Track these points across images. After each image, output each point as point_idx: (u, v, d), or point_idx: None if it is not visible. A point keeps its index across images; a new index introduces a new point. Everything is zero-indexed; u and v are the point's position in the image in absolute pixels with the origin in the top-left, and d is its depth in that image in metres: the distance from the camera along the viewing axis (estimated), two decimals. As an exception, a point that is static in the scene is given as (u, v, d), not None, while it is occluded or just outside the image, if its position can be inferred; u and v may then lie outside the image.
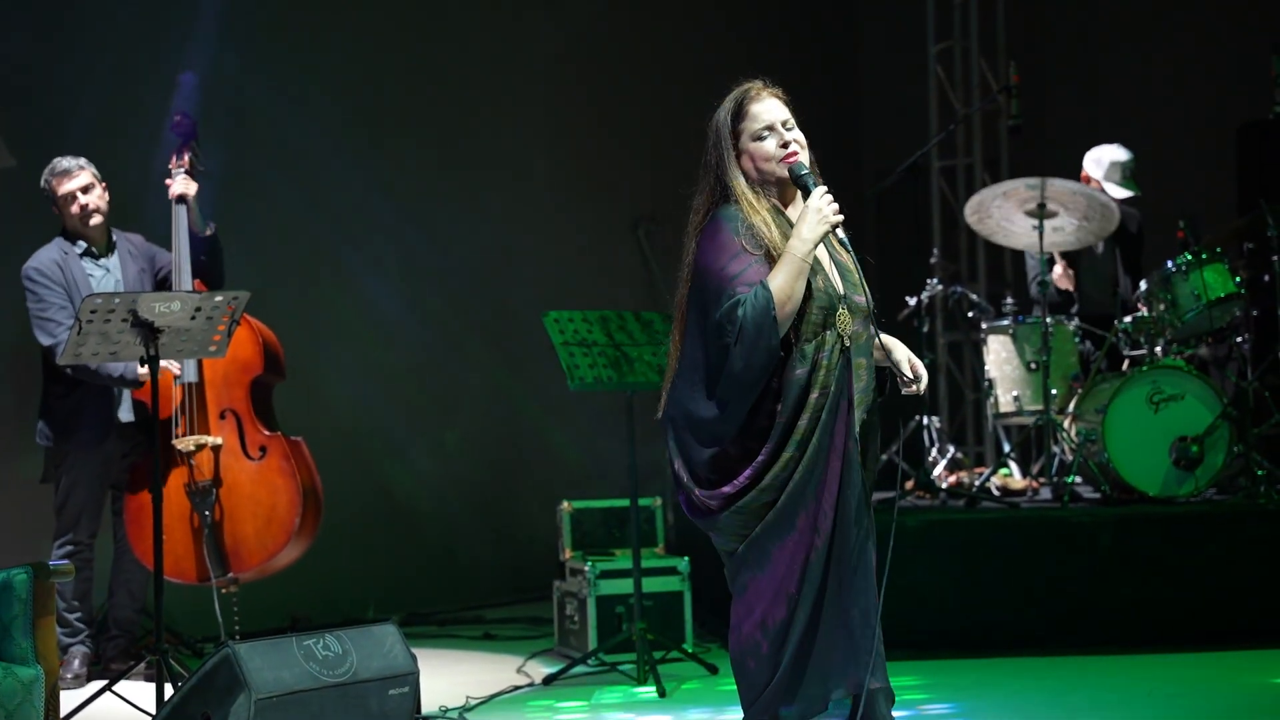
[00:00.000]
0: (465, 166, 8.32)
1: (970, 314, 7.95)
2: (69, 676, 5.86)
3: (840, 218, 3.69)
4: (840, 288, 3.76)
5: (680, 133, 9.01)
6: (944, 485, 7.35)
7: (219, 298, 5.23)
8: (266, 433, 6.05)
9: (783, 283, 3.64)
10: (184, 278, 5.97)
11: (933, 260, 8.19)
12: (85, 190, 5.98)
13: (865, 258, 3.83)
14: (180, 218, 6.00)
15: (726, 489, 3.66)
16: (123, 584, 6.15)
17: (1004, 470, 7.64)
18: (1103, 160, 7.44)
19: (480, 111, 8.38)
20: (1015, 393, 7.20)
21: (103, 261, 6.06)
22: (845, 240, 3.80)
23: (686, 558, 6.46)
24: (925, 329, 7.52)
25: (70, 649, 5.95)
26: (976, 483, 7.24)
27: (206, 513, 5.90)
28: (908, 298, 7.67)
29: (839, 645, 3.67)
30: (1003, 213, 7.08)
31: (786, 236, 3.70)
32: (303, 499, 5.99)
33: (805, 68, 9.58)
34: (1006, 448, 7.90)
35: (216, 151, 6.44)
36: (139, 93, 6.92)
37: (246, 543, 5.97)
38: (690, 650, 6.22)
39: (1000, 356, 7.27)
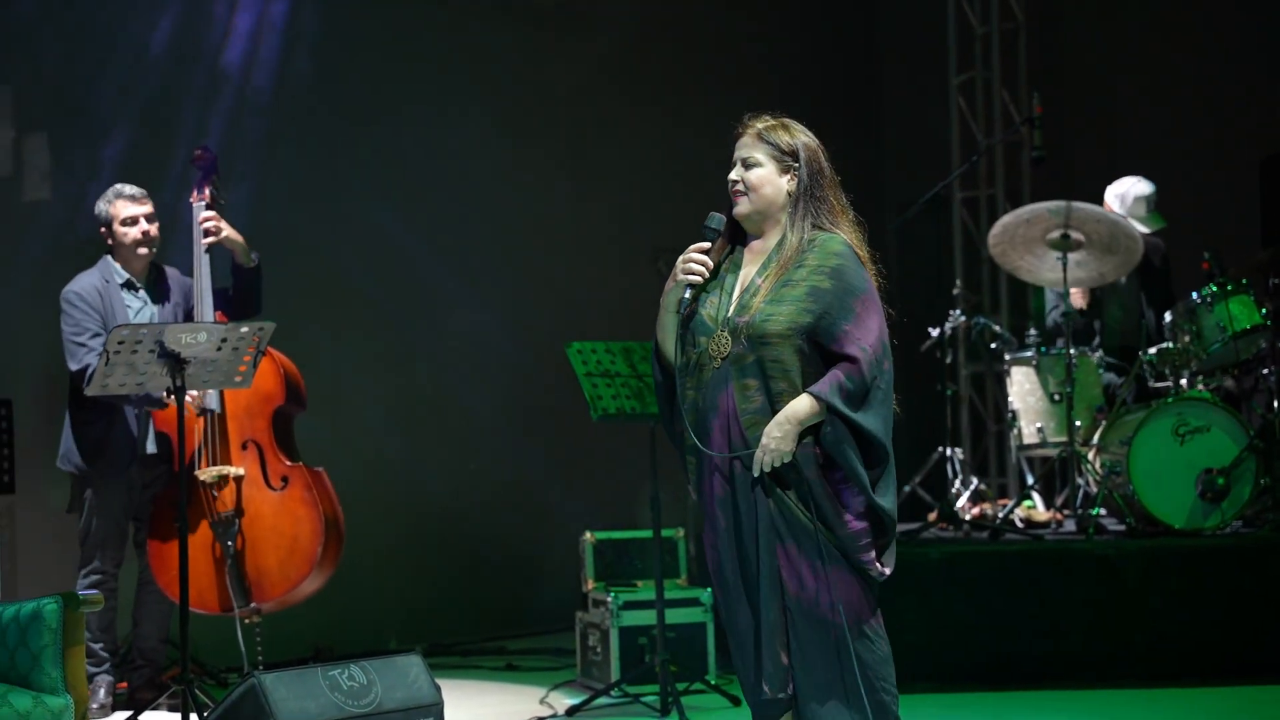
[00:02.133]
0: (487, 198, 8.35)
1: (993, 345, 7.94)
2: (94, 706, 5.86)
3: (692, 277, 3.89)
4: (731, 311, 3.88)
5: (701, 165, 9.01)
6: (967, 517, 7.33)
7: (244, 329, 5.25)
8: (288, 463, 6.06)
9: (657, 327, 4.00)
10: (205, 309, 6.00)
11: (955, 291, 8.19)
12: (149, 218, 6.03)
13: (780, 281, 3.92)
14: (200, 249, 6.02)
15: None
16: (146, 614, 6.15)
17: (1027, 502, 7.61)
18: (1126, 197, 7.42)
19: (502, 142, 8.41)
20: (1039, 424, 7.18)
21: (141, 294, 6.09)
22: (790, 261, 3.89)
23: (709, 589, 6.44)
24: (948, 360, 7.52)
25: (95, 679, 5.95)
26: (1000, 515, 7.22)
27: (229, 543, 5.91)
28: (930, 329, 7.67)
29: (743, 654, 3.88)
30: (1027, 244, 7.08)
31: (723, 272, 3.95)
32: (325, 529, 5.99)
33: (827, 99, 9.61)
34: (1030, 480, 7.88)
35: (240, 182, 6.49)
36: (170, 124, 6.98)
37: (269, 573, 5.97)
38: (713, 682, 6.21)
39: (1024, 388, 7.26)
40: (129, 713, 5.64)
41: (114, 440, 5.97)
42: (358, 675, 4.71)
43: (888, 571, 3.89)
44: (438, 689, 4.85)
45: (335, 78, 7.77)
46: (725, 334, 3.85)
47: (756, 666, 3.85)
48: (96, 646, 5.98)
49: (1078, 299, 7.34)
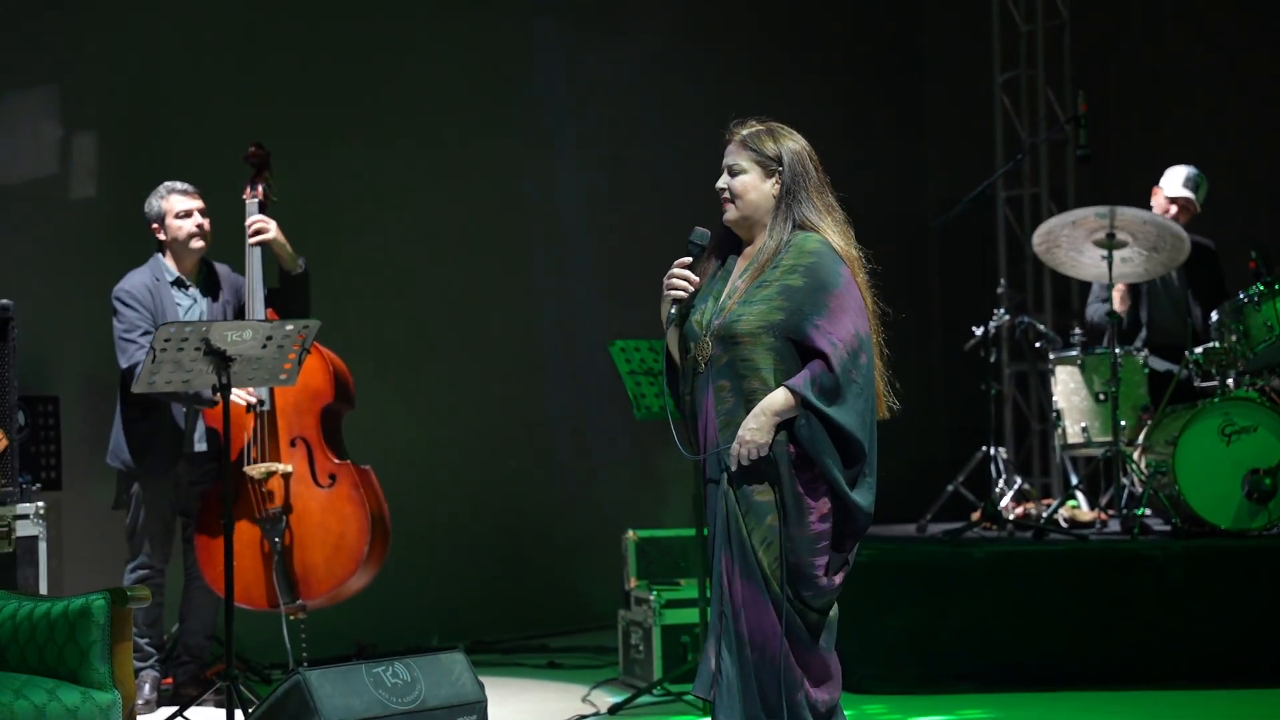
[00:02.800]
0: (532, 195, 8.36)
1: (1037, 344, 7.90)
2: (140, 702, 5.90)
3: (676, 293, 3.98)
4: (711, 315, 3.96)
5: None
6: (1011, 517, 7.29)
7: (289, 327, 5.27)
8: (336, 461, 6.09)
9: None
10: (256, 306, 6.03)
11: (999, 290, 8.15)
12: (201, 213, 6.07)
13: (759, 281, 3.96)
14: (254, 250, 6.06)
15: None
16: (193, 610, 6.19)
17: (1072, 502, 7.57)
18: (1169, 174, 7.41)
19: (546, 141, 8.43)
20: (1083, 424, 7.14)
21: (191, 291, 6.13)
22: (765, 263, 3.95)
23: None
24: (991, 359, 7.49)
25: (140, 674, 5.99)
26: (1044, 514, 7.18)
27: (276, 540, 5.94)
28: (974, 328, 7.64)
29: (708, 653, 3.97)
30: (1071, 242, 7.05)
31: (715, 280, 4.01)
32: (371, 527, 6.02)
33: (870, 98, 9.59)
34: (1074, 479, 7.84)
35: (289, 178, 6.52)
36: (223, 121, 7.03)
37: (315, 570, 6.00)
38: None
39: (1068, 387, 7.22)
40: (174, 708, 5.68)
41: (162, 437, 6.01)
42: (401, 672, 4.73)
43: (836, 581, 3.92)
44: (481, 686, 4.86)
45: (378, 74, 7.80)
46: (708, 339, 3.94)
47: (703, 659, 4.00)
48: (142, 642, 6.02)
49: (1117, 302, 7.30)
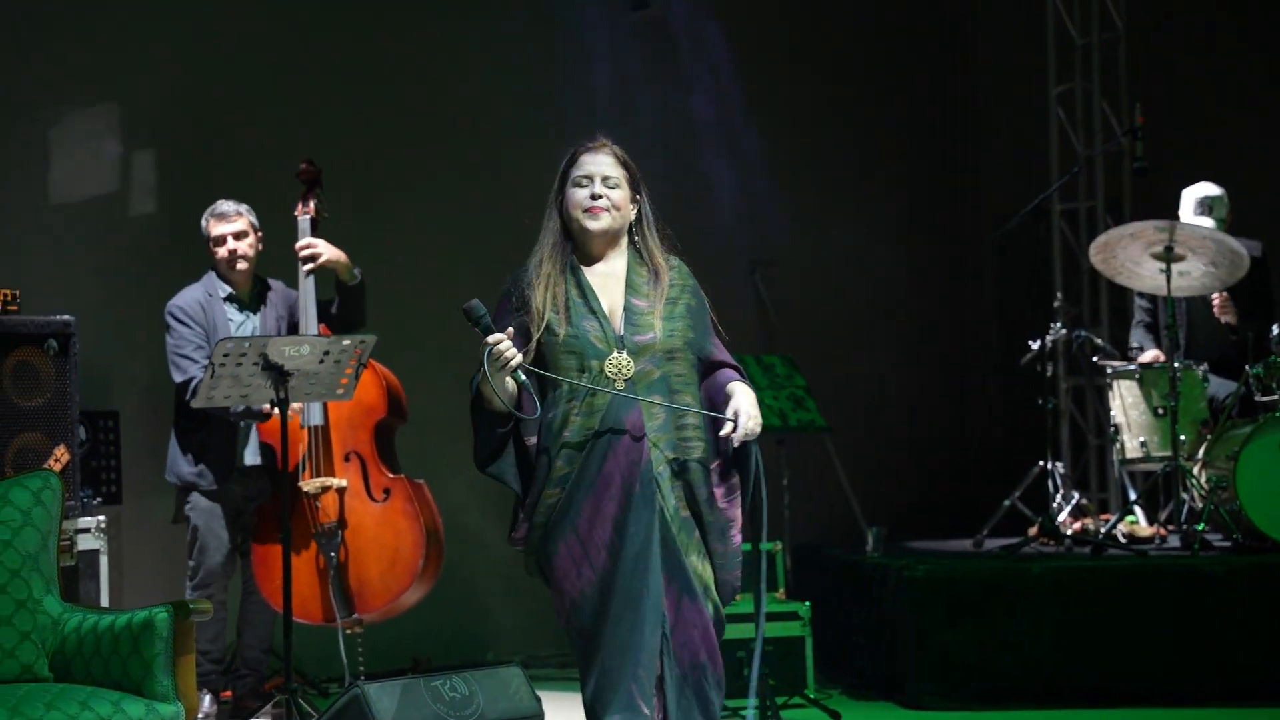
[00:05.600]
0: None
1: (1094, 358, 7.84)
2: (200, 715, 5.94)
3: (515, 358, 3.85)
4: (620, 330, 3.93)
5: (799, 177, 9.04)
6: (1069, 532, 7.24)
7: (346, 342, 5.31)
8: (390, 475, 6.11)
9: (485, 391, 3.93)
10: (310, 322, 6.06)
11: (1055, 304, 8.10)
12: (238, 236, 6.10)
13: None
14: (305, 266, 6.10)
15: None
16: (250, 624, 6.23)
17: (1130, 517, 7.51)
18: (1182, 202, 7.36)
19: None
20: (1142, 438, 7.08)
21: (244, 307, 6.18)
22: (666, 284, 4.02)
23: (808, 602, 6.41)
24: (1048, 373, 7.44)
25: (200, 687, 6.03)
26: (1102, 530, 7.12)
27: (332, 554, 5.96)
28: (1030, 342, 7.59)
29: (616, 679, 3.88)
30: (1129, 254, 7.00)
31: (560, 307, 3.94)
32: (426, 541, 6.03)
33: (925, 110, 9.55)
34: (1133, 494, 7.77)
35: (344, 190, 6.56)
36: (277, 138, 7.08)
37: (371, 584, 6.02)
38: (812, 695, 6.18)
39: (1126, 401, 7.16)
40: (234, 721, 5.72)
41: (215, 452, 6.05)
42: (459, 686, 4.75)
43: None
44: (538, 700, 4.88)
45: (445, 94, 7.83)
46: (624, 355, 3.91)
47: (619, 687, 3.89)
48: (203, 655, 6.06)
49: (1218, 309, 7.21)
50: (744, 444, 3.90)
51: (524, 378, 3.88)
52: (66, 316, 5.80)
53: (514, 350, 3.86)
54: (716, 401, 3.97)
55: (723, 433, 3.89)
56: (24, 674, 4.20)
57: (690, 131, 8.73)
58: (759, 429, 3.89)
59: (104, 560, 5.92)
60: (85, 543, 5.82)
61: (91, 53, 6.89)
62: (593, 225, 4.02)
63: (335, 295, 6.17)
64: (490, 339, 3.87)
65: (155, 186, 7.10)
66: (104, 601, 5.89)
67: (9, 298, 5.74)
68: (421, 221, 7.71)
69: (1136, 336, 7.52)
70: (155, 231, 7.00)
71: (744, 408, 3.89)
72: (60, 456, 5.65)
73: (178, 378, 5.99)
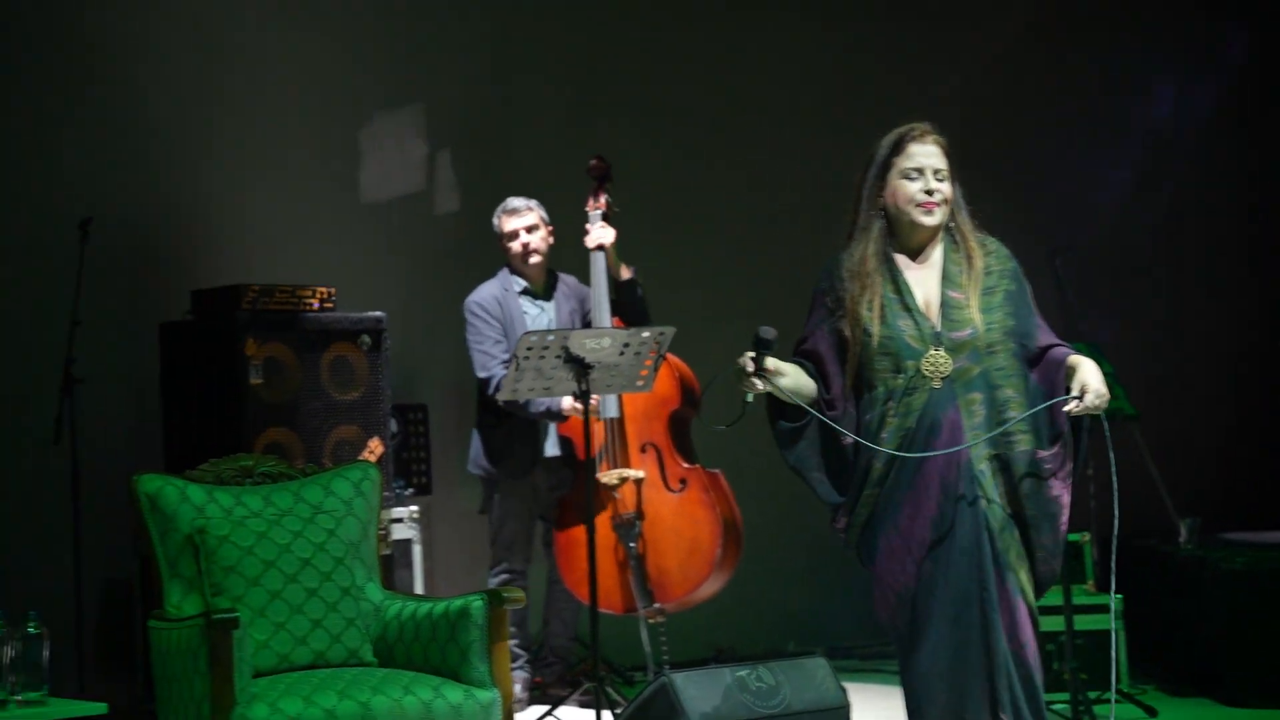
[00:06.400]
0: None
1: None
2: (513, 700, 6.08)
3: (750, 393, 3.89)
4: (937, 326, 3.84)
5: (1092, 165, 8.75)
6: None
7: (645, 334, 5.35)
8: (686, 465, 6.14)
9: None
10: (604, 316, 6.14)
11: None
12: (530, 230, 6.22)
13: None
14: (598, 260, 6.18)
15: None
16: (556, 613, 6.34)
17: None
18: None
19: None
20: None
21: (539, 301, 6.30)
22: (981, 270, 3.92)
23: (1120, 595, 6.21)
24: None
25: (512, 673, 6.16)
26: None
27: (631, 545, 6.02)
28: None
29: (947, 685, 3.77)
30: None
31: (874, 307, 3.88)
32: (723, 531, 6.04)
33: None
34: None
35: (633, 193, 6.61)
36: (573, 134, 7.20)
37: (670, 574, 6.06)
38: (1126, 690, 5.98)
39: None
40: (546, 707, 5.82)
41: (517, 444, 6.17)
42: (765, 676, 4.75)
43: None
44: (844, 691, 4.84)
45: (737, 93, 7.81)
46: (941, 353, 3.84)
47: (967, 699, 3.79)
48: (513, 643, 6.19)
49: None
50: (1077, 425, 3.84)
51: (750, 399, 3.93)
52: (378, 313, 6.00)
53: (755, 386, 3.90)
54: (1055, 381, 3.88)
55: (1067, 408, 3.82)
56: (350, 659, 4.36)
57: (976, 123, 8.54)
58: (1105, 404, 3.81)
59: (417, 549, 6.12)
60: (399, 532, 6.02)
61: (398, 58, 7.10)
62: (928, 220, 3.97)
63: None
64: (747, 368, 3.89)
65: (458, 184, 7.29)
66: (418, 589, 6.08)
67: (326, 295, 5.97)
68: (710, 217, 7.70)
69: None
70: (459, 229, 7.18)
71: (1091, 383, 3.81)
72: (374, 449, 5.85)
73: (480, 374, 6.13)
